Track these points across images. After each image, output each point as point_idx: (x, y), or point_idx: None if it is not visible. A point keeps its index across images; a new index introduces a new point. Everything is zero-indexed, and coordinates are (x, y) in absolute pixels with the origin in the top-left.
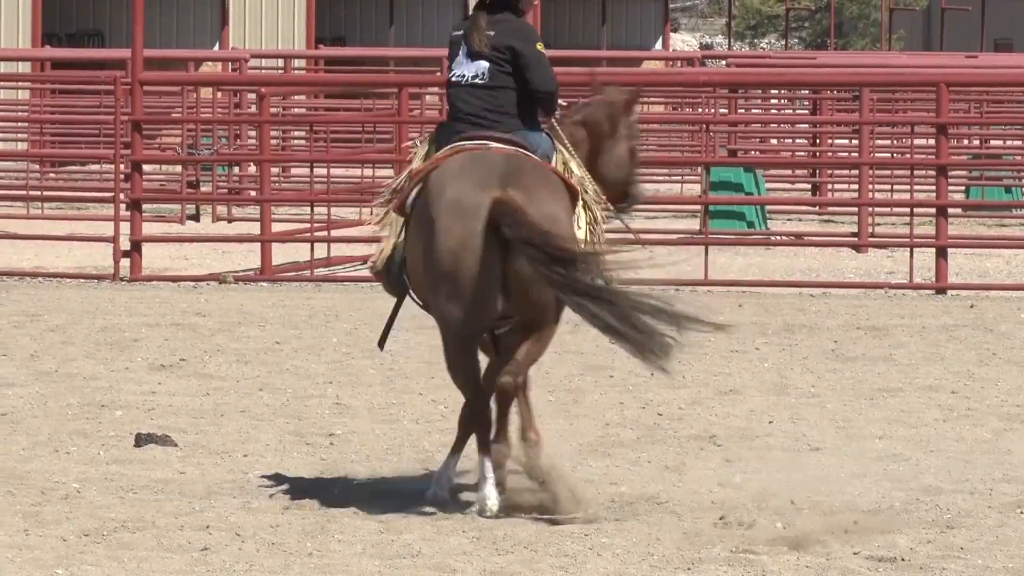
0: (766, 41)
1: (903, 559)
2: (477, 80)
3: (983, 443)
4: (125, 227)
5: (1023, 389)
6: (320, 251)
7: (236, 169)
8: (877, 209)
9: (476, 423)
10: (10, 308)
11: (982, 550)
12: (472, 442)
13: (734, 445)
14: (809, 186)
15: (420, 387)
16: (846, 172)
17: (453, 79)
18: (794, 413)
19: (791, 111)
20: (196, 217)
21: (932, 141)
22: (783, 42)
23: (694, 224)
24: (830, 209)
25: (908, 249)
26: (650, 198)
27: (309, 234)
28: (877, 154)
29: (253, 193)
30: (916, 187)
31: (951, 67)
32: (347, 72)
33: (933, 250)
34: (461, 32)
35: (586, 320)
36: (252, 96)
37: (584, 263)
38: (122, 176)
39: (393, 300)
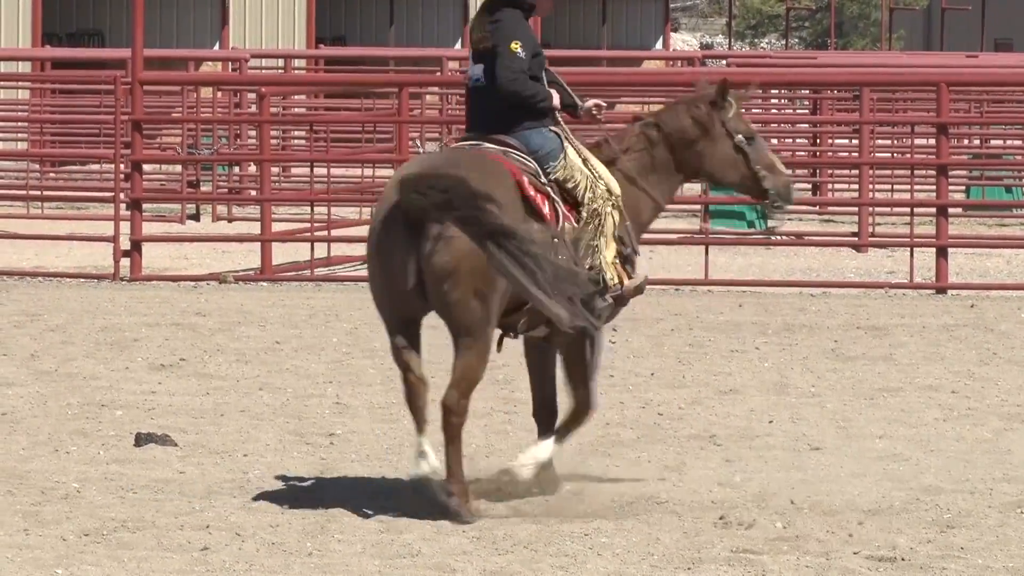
0: (766, 41)
1: (903, 559)
2: (479, 83)
3: (983, 443)
4: (125, 227)
5: (1023, 389)
6: (320, 251)
7: (236, 169)
8: (877, 209)
9: (408, 404)
10: (10, 308)
11: (982, 550)
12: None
13: (734, 445)
14: (809, 186)
15: None
16: (846, 172)
17: (467, 83)
18: (794, 413)
19: (791, 111)
20: (196, 217)
21: (932, 141)
22: (783, 42)
23: (694, 224)
24: (830, 209)
25: (908, 249)
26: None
27: (309, 234)
28: (877, 154)
29: (253, 193)
30: (916, 187)
31: (951, 67)
32: (347, 72)
33: (933, 250)
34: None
35: (501, 272)
36: (252, 96)
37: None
38: (122, 176)
39: None
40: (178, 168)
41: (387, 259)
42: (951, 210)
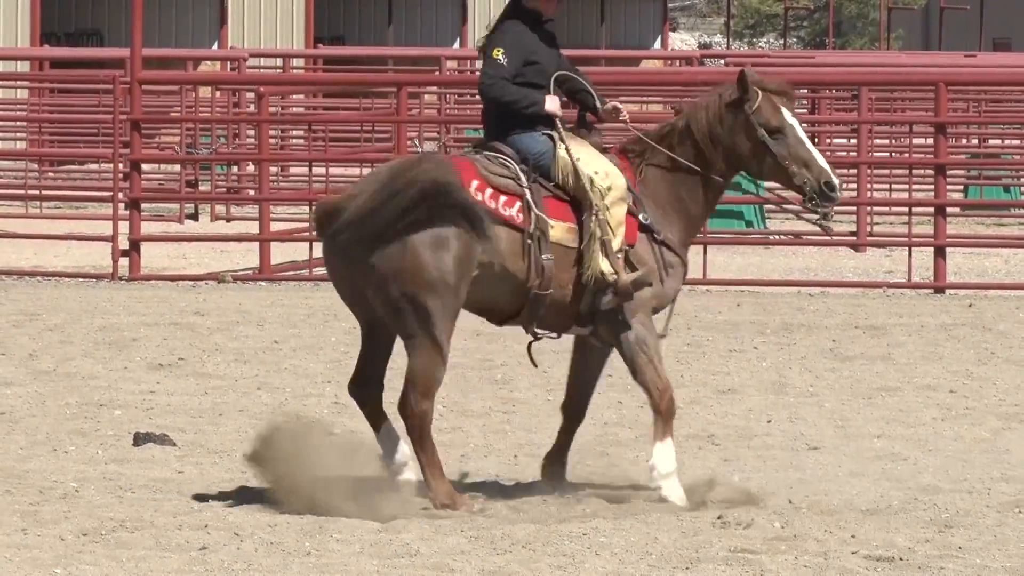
0: (765, 40)
1: (901, 558)
2: None
3: (981, 442)
4: (124, 226)
5: (1021, 388)
6: (319, 250)
7: (235, 168)
8: (876, 208)
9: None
10: (9, 307)
11: (980, 549)
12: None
13: (732, 444)
14: None
15: None
16: (845, 171)
17: None
18: (792, 412)
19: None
20: (195, 216)
21: (931, 140)
22: (782, 41)
23: None
24: None
25: (907, 248)
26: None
27: (308, 233)
28: (876, 153)
29: (252, 192)
30: (914, 186)
31: (950, 66)
32: (346, 71)
33: (931, 249)
34: None
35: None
36: (251, 95)
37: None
38: (121, 175)
39: None
40: (177, 168)
41: (333, 268)
42: (949, 210)
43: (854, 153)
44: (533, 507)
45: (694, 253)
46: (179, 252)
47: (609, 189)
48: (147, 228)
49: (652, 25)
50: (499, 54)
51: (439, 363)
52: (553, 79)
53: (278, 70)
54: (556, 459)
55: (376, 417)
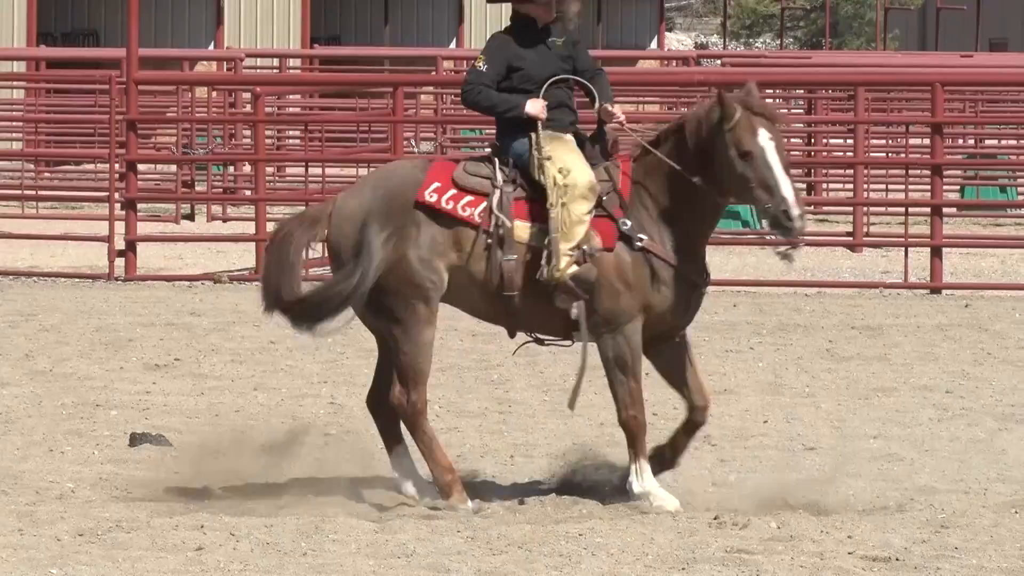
0: (761, 40)
1: (898, 559)
2: None
3: (978, 443)
4: (120, 227)
5: (1018, 388)
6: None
7: (231, 168)
8: (872, 208)
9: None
10: (5, 307)
11: (976, 550)
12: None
13: (729, 445)
14: (804, 185)
15: None
16: (841, 171)
17: None
18: (789, 413)
19: (786, 110)
20: (191, 217)
21: (927, 141)
22: (778, 42)
23: None
24: (825, 208)
25: (903, 249)
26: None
27: None
28: (872, 154)
29: (248, 192)
30: (911, 187)
31: (946, 67)
32: (342, 71)
33: (928, 250)
34: None
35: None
36: (247, 95)
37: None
38: (117, 175)
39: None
40: (173, 168)
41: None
42: (946, 210)
43: (850, 153)
44: (530, 507)
45: None
46: (175, 252)
47: (566, 187)
48: (143, 228)
49: (648, 25)
50: (480, 62)
51: (420, 355)
52: (546, 84)
53: (274, 70)
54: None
55: (389, 434)
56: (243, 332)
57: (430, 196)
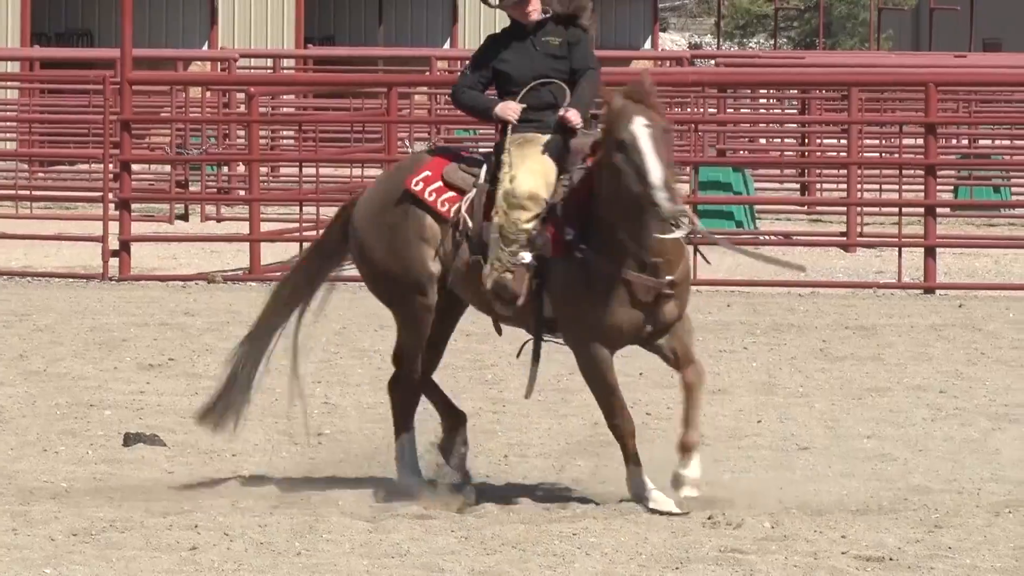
0: (755, 41)
1: (891, 558)
2: None
3: (971, 442)
4: (114, 227)
5: (1011, 388)
6: None
7: (225, 169)
8: (866, 209)
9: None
10: None
11: (970, 550)
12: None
13: (722, 444)
14: (798, 186)
15: None
16: (835, 172)
17: None
18: (782, 413)
19: (780, 111)
20: (185, 217)
21: (920, 141)
22: (772, 42)
23: None
24: (819, 209)
25: (897, 249)
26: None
27: (298, 234)
28: (866, 154)
29: (242, 193)
30: (904, 187)
31: (940, 67)
32: (336, 72)
33: (921, 250)
34: None
35: None
36: (241, 96)
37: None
38: (111, 176)
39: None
40: (167, 168)
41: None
42: (939, 210)
43: (844, 154)
44: (523, 507)
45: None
46: (169, 252)
47: (507, 194)
48: (137, 228)
49: (642, 25)
50: (467, 66)
51: (412, 334)
52: (528, 86)
53: (268, 70)
54: None
55: (445, 415)
56: (237, 332)
57: (416, 185)
